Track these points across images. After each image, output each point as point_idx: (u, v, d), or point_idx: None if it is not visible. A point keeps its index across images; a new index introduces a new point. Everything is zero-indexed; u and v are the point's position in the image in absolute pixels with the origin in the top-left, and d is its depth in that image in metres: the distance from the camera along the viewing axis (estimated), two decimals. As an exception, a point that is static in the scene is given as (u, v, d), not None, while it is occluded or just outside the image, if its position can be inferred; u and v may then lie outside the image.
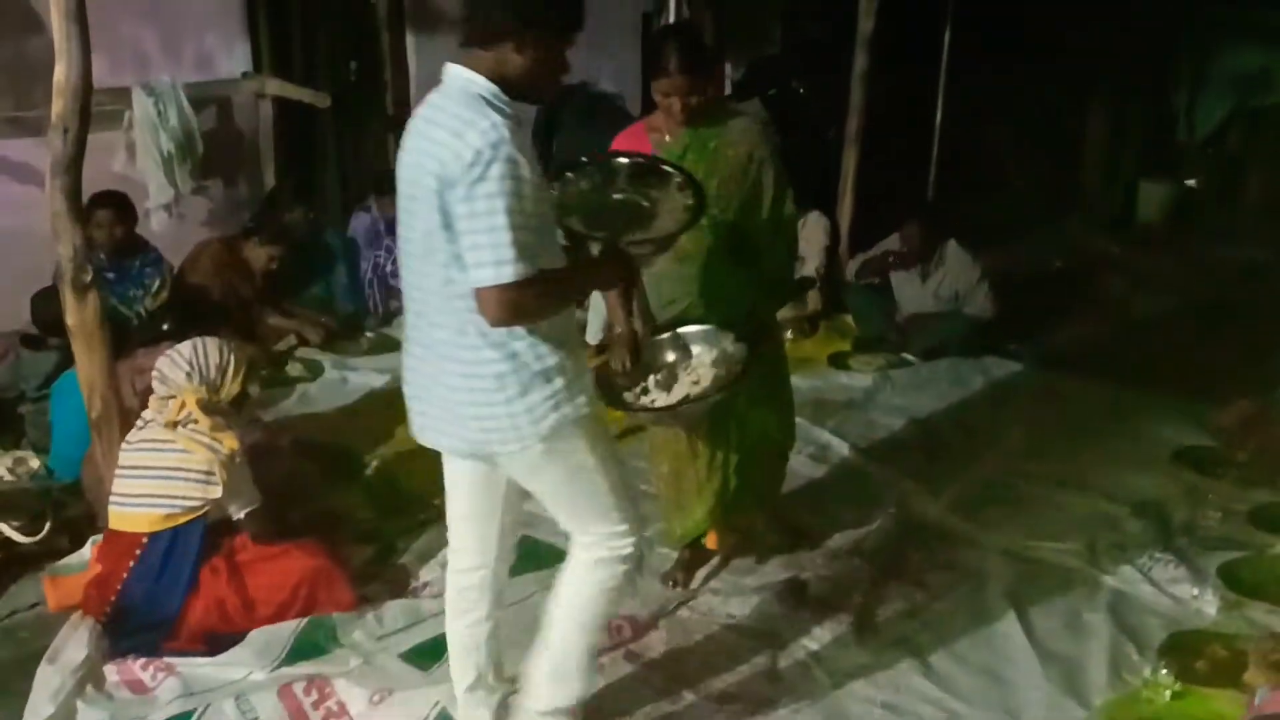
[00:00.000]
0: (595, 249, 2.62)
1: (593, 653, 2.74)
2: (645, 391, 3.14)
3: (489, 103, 2.28)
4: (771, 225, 3.25)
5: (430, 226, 2.30)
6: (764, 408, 3.46)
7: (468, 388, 2.40)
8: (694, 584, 3.63)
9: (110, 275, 4.92)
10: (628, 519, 2.60)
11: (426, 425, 2.54)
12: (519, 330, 2.34)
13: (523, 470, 2.53)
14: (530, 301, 2.27)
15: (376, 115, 7.04)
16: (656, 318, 3.26)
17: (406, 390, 2.57)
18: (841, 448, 4.76)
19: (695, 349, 3.20)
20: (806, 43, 9.03)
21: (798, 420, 4.94)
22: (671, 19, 7.58)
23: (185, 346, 3.42)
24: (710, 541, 3.69)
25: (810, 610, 3.51)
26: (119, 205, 5.17)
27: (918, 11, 8.20)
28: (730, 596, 3.58)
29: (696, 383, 3.10)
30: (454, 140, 2.23)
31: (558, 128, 6.97)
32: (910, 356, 5.83)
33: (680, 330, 3.23)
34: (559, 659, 2.69)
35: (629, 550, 2.61)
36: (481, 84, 2.31)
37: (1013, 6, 8.06)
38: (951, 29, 8.45)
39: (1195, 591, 3.59)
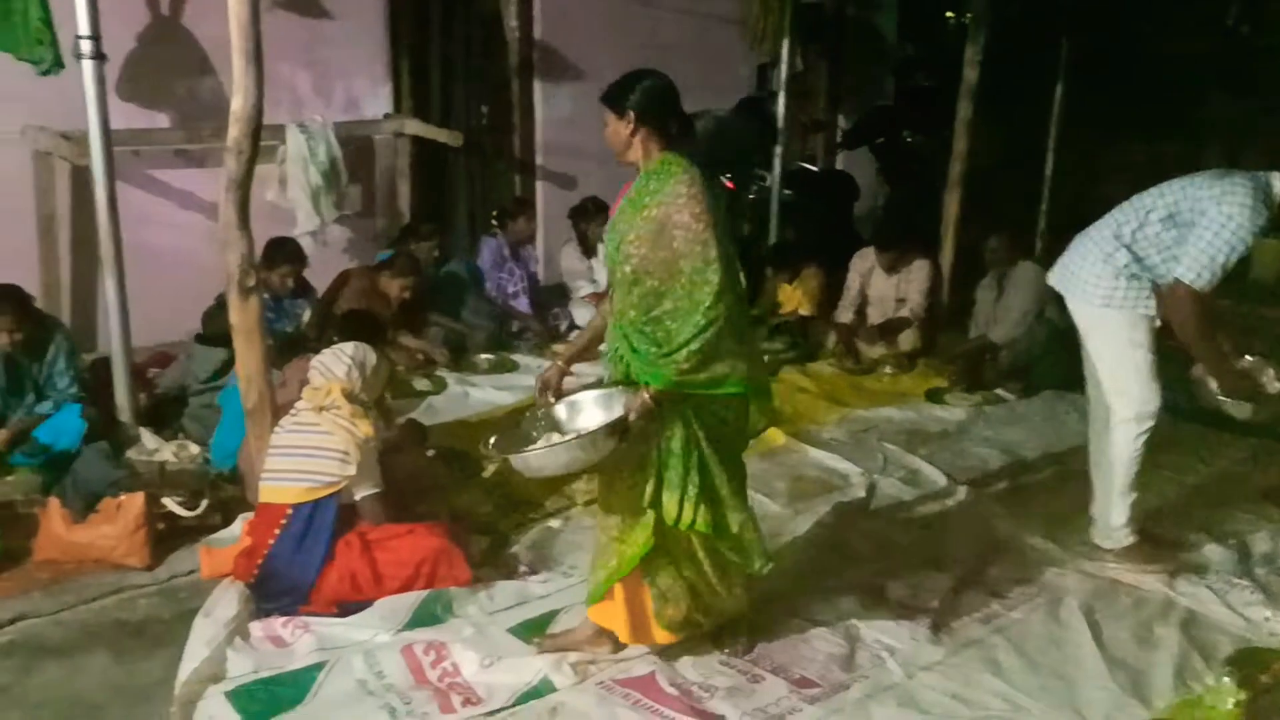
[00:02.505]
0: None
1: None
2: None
3: None
4: (686, 294, 2.99)
5: None
6: (672, 489, 3.16)
7: None
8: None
9: (270, 314, 5.33)
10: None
11: None
12: None
13: None
14: None
15: (504, 155, 7.56)
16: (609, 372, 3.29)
17: None
18: (932, 473, 4.97)
19: (586, 410, 3.22)
20: (917, 93, 9.29)
21: (889, 446, 5.23)
22: (784, 70, 7.90)
23: (349, 345, 3.94)
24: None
25: (888, 611, 3.73)
26: (299, 259, 5.69)
27: (1030, 65, 8.41)
28: (813, 596, 3.82)
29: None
30: None
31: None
32: (1006, 394, 6.02)
33: (578, 396, 3.28)
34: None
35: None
36: None
37: (1128, 64, 8.18)
38: (1064, 82, 8.64)
39: (1269, 614, 3.71)
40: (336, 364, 3.86)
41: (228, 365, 4.48)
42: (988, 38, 6.89)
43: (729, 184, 8.08)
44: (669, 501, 3.16)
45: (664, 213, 3.01)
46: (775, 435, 5.36)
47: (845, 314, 6.82)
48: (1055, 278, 4.12)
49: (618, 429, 2.98)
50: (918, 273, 6.70)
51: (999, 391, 6.07)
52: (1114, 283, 3.87)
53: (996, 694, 3.29)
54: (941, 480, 4.90)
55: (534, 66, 7.59)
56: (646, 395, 3.02)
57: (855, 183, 8.92)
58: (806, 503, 4.64)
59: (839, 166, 9.50)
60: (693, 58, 8.12)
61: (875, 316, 6.78)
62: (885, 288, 6.78)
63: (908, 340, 6.60)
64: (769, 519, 4.47)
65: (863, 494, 4.74)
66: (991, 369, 6.23)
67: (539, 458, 3.03)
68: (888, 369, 6.47)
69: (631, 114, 3.10)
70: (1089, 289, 3.93)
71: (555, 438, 3.13)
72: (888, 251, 6.71)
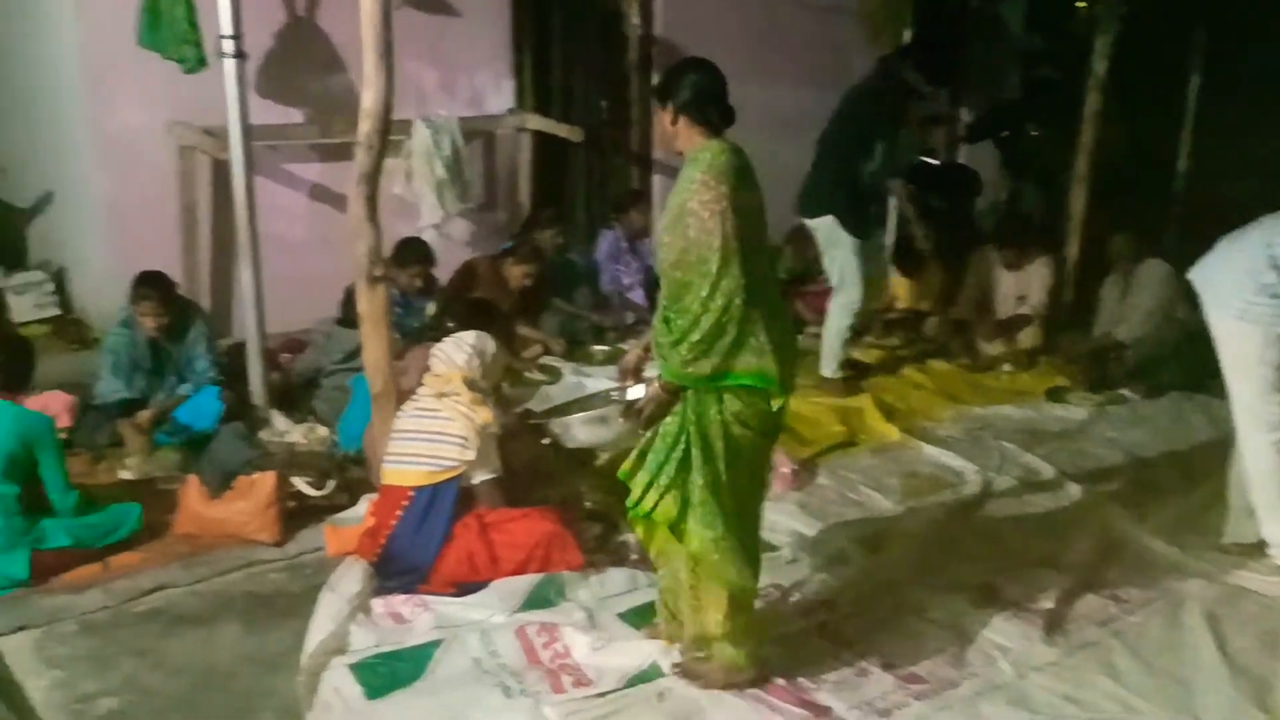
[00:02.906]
0: None
1: None
2: None
3: None
4: (697, 280, 2.95)
5: None
6: (645, 470, 3.15)
7: None
8: None
9: (398, 309, 5.45)
10: None
11: None
12: None
13: None
14: None
15: (623, 149, 7.65)
16: None
17: None
18: (1049, 472, 4.89)
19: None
20: (1044, 85, 9.07)
21: (1006, 444, 5.15)
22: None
23: (470, 335, 4.08)
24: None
25: (1000, 610, 3.69)
26: (429, 260, 5.85)
27: (1163, 56, 8.13)
28: (923, 592, 3.80)
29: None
30: None
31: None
32: (1130, 394, 5.87)
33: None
34: None
35: None
36: None
37: (1267, 56, 7.85)
38: (1199, 75, 8.34)
39: (1406, 628, 3.56)
40: (457, 352, 3.99)
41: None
42: (1119, 28, 6.70)
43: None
44: (637, 482, 3.16)
45: (682, 200, 2.98)
46: (889, 431, 5.34)
47: (965, 310, 6.72)
48: (1196, 276, 4.01)
49: (631, 412, 3.10)
50: (1039, 269, 6.57)
51: (1123, 391, 5.92)
52: (1254, 297, 3.76)
53: (1110, 696, 3.24)
54: (1060, 480, 4.81)
55: (653, 62, 7.66)
56: (657, 384, 3.06)
57: (978, 177, 8.76)
58: (919, 499, 4.61)
59: (960, 161, 9.34)
60: (812, 50, 8.10)
61: (995, 313, 6.67)
62: (1006, 284, 6.66)
63: (1028, 338, 6.48)
64: (879, 515, 4.47)
65: (977, 491, 4.68)
66: (1116, 368, 6.08)
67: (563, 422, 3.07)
68: (1007, 366, 6.36)
69: (671, 105, 3.11)
70: (1228, 298, 3.83)
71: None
72: (1009, 247, 6.59)
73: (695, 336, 2.94)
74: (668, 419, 3.09)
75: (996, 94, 9.47)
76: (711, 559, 3.10)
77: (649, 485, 3.12)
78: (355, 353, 4.71)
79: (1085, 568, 3.99)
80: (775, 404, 3.07)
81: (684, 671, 3.27)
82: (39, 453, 3.87)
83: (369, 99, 3.94)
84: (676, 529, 3.13)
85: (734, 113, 3.14)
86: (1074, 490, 4.70)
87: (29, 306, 6.12)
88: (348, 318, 5.08)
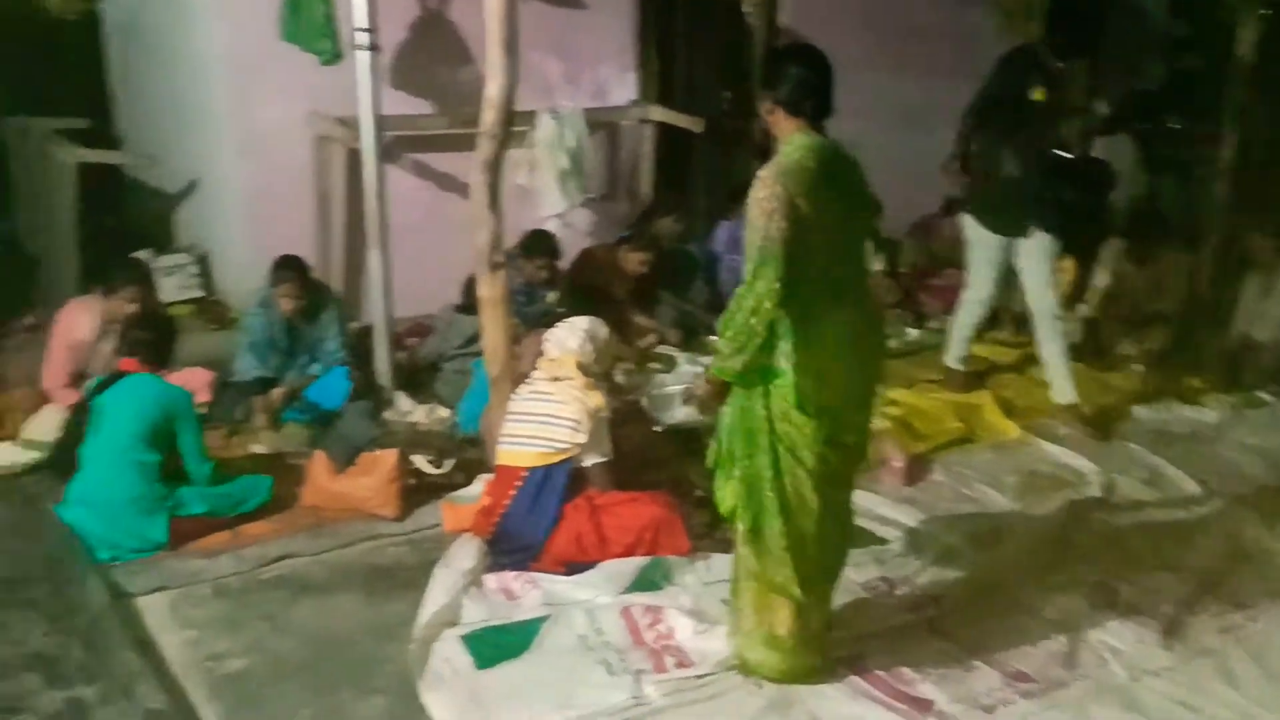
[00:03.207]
0: None
1: None
2: None
3: None
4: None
5: None
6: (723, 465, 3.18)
7: None
8: None
9: (521, 298, 5.58)
10: None
11: None
12: None
13: None
14: None
15: (744, 140, 7.64)
16: None
17: None
18: (1177, 476, 4.75)
19: None
20: (1187, 76, 8.74)
21: (1132, 445, 5.01)
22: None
23: (583, 320, 4.16)
24: None
25: (1116, 612, 3.60)
26: (555, 253, 5.97)
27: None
28: (1036, 590, 3.74)
29: None
30: None
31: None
32: (1267, 396, 5.64)
33: None
34: None
35: None
36: None
37: None
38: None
39: None
40: (570, 337, 4.07)
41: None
42: (1270, 15, 6.40)
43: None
44: (719, 477, 3.18)
45: (752, 196, 2.95)
46: (1008, 428, 5.24)
47: (1094, 308, 6.52)
48: None
49: (687, 399, 3.28)
50: (1173, 266, 6.33)
51: (1259, 394, 5.67)
52: None
53: (1228, 704, 3.15)
54: (1188, 483, 4.66)
55: (778, 52, 7.64)
56: (704, 378, 3.12)
57: (1112, 171, 8.48)
58: (1037, 497, 4.52)
59: (1095, 154, 9.04)
60: (944, 40, 7.96)
61: (1125, 311, 6.46)
62: (1137, 281, 6.45)
63: (1159, 337, 6.25)
64: (993, 512, 4.40)
65: (1098, 492, 4.56)
66: (1252, 369, 5.83)
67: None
68: (1136, 365, 6.16)
69: (768, 96, 3.07)
70: None
71: None
72: (1142, 243, 6.37)
73: (729, 333, 2.96)
74: (726, 409, 3.11)
75: (1135, 84, 9.15)
76: (744, 553, 3.11)
77: (713, 473, 3.20)
78: (474, 338, 4.84)
79: (1209, 573, 3.87)
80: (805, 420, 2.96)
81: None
82: (178, 425, 4.11)
83: (493, 89, 4.05)
84: (731, 518, 3.16)
85: (832, 106, 3.09)
86: (1202, 494, 4.55)
87: (174, 287, 6.43)
88: (468, 304, 5.23)
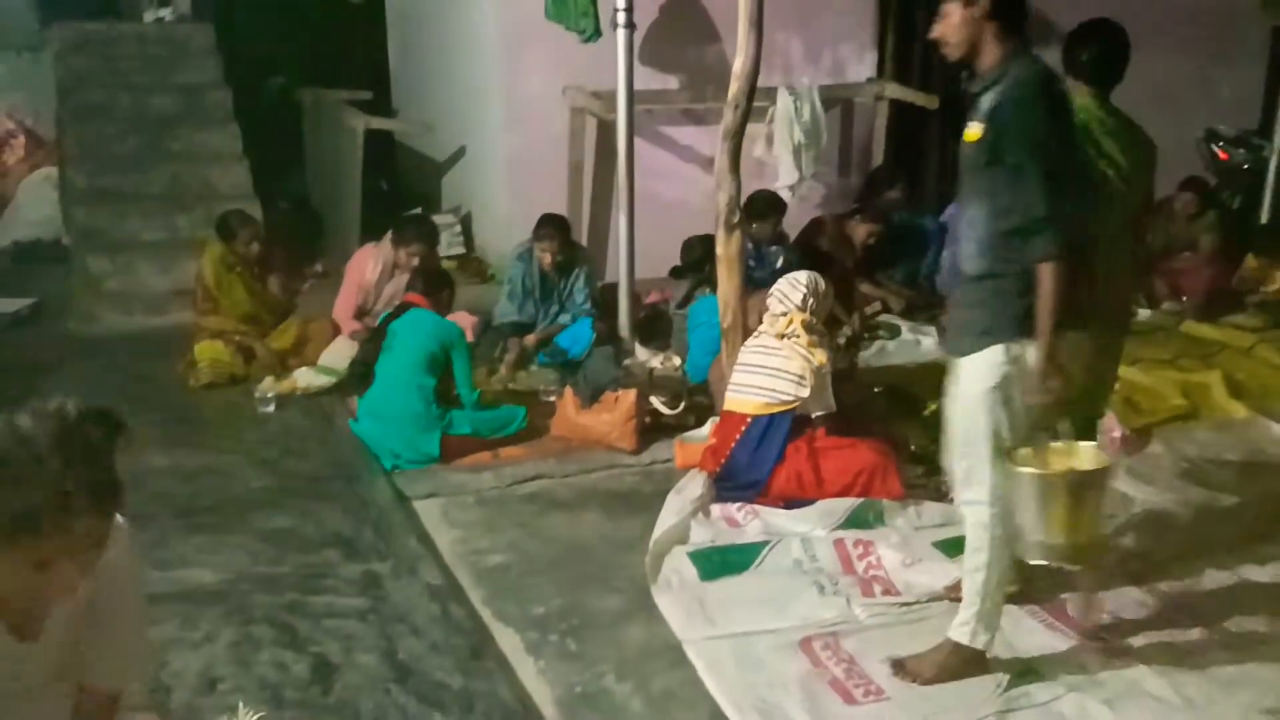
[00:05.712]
0: None
1: None
2: None
3: None
4: None
5: None
6: None
7: None
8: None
9: (751, 261, 5.93)
10: None
11: None
12: None
13: None
14: None
15: (980, 118, 7.69)
16: None
17: None
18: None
19: None
20: None
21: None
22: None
23: (804, 274, 4.46)
24: None
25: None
26: (779, 210, 6.29)
27: None
28: (1247, 557, 3.80)
29: None
30: None
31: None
32: None
33: None
34: None
35: None
36: None
37: None
38: None
39: None
40: (793, 291, 4.38)
41: (693, 291, 5.36)
42: None
43: (1221, 154, 7.65)
44: None
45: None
46: (1235, 408, 5.21)
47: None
48: None
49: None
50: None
51: None
52: None
53: None
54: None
55: (1020, 29, 7.64)
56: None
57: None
58: (1258, 473, 4.52)
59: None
60: (1197, 23, 7.76)
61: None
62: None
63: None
64: (1209, 483, 4.44)
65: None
66: None
67: None
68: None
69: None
70: None
71: None
72: None
73: None
74: None
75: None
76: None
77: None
78: (684, 300, 5.26)
79: None
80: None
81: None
82: (453, 354, 4.73)
83: (740, 63, 4.41)
84: None
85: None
86: None
87: (442, 244, 7.14)
88: (685, 265, 5.67)
